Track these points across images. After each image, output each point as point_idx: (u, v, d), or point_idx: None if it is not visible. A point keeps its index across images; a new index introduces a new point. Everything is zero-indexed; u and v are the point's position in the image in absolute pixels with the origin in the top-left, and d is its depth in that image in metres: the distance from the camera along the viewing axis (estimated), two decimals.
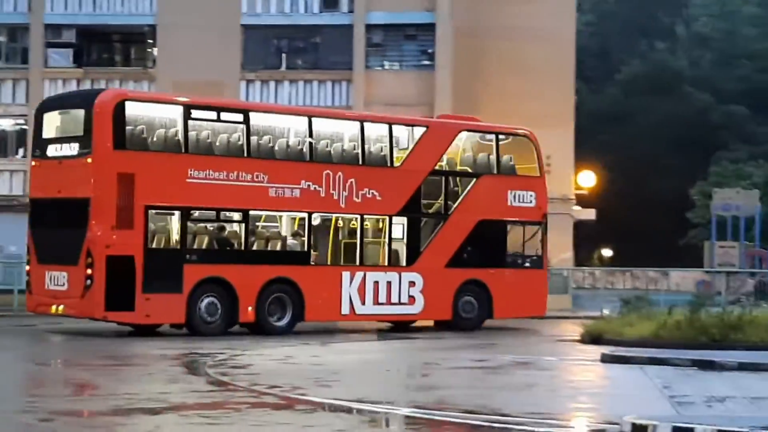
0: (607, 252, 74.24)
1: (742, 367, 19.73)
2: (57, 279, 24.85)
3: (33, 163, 26.52)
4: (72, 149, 25.01)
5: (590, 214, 48.67)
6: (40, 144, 25.99)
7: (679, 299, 29.62)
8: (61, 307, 24.73)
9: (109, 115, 24.54)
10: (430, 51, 43.50)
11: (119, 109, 24.73)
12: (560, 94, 44.39)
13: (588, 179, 51.72)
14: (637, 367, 19.93)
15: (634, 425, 12.29)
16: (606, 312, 29.77)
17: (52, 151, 25.55)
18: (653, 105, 74.29)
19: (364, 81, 43.32)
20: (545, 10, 44.60)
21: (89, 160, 24.45)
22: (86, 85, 44.10)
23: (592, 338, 25.29)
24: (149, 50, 45.15)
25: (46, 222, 25.57)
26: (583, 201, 48.74)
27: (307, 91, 43.80)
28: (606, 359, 21.06)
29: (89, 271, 24.05)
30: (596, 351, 22.11)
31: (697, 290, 38.50)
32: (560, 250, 39.76)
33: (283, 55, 44.40)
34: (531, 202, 30.26)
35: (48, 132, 25.86)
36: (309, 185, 26.92)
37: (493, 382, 17.93)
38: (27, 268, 25.95)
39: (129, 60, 46.12)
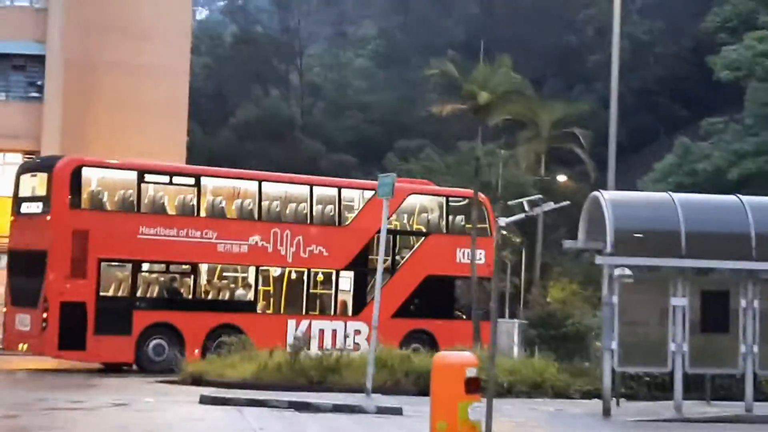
0: None
1: (337, 408, 20.20)
2: (23, 320, 28.21)
3: (11, 218, 29.82)
4: (38, 207, 28.55)
5: None
6: (17, 202, 29.58)
7: None
8: (25, 346, 27.90)
9: (66, 179, 28.03)
10: (39, 83, 42.12)
11: (76, 173, 28.17)
12: (173, 133, 43.78)
13: None
14: (235, 408, 19.92)
15: None
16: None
17: (24, 208, 29.20)
18: (266, 150, 75.20)
19: None
20: (160, 48, 43.98)
21: (48, 217, 27.90)
22: None
23: (193, 379, 25.06)
24: None
25: (18, 270, 28.97)
26: None
27: None
28: (205, 401, 20.92)
29: (45, 315, 27.39)
30: (197, 392, 21.91)
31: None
32: None
33: None
34: (481, 259, 32.54)
35: (23, 191, 29.49)
36: (257, 242, 29.96)
37: (84, 424, 17.37)
38: (4, 309, 29.46)
39: None
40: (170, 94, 43.47)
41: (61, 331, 27.34)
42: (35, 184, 29.21)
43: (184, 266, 29.36)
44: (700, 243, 22.17)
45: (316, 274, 30.91)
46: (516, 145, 55.81)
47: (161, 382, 25.86)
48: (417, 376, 23.95)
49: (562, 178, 58.63)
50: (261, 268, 30.26)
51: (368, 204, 31.47)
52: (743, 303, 21.54)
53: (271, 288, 30.71)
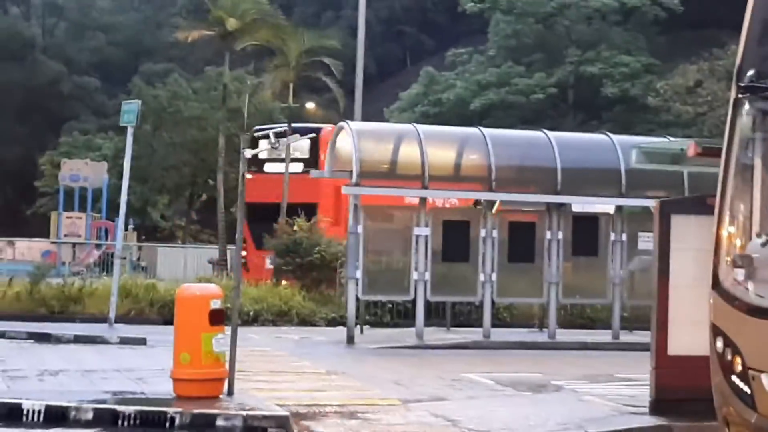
0: None
1: (78, 339, 19.86)
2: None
3: (249, 176, 32.31)
4: (296, 167, 33.81)
5: None
6: (256, 163, 33.77)
7: (23, 270, 29.18)
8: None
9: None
10: None
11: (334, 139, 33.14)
12: None
13: None
14: None
15: None
16: None
17: (268, 168, 34.51)
18: (5, 71, 72.54)
19: None
20: None
21: None
22: None
23: None
24: None
25: (261, 218, 32.71)
26: None
27: None
28: None
29: None
30: None
31: (42, 260, 38.01)
32: None
33: None
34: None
35: (262, 154, 32.74)
36: None
37: None
38: (244, 253, 30.80)
39: None
40: None
41: None
42: (295, 146, 34.31)
43: None
44: (442, 173, 22.65)
45: None
46: (265, 71, 55.56)
47: None
48: (162, 305, 23.77)
49: (310, 105, 58.81)
50: None
51: None
52: (483, 233, 22.14)
53: None
